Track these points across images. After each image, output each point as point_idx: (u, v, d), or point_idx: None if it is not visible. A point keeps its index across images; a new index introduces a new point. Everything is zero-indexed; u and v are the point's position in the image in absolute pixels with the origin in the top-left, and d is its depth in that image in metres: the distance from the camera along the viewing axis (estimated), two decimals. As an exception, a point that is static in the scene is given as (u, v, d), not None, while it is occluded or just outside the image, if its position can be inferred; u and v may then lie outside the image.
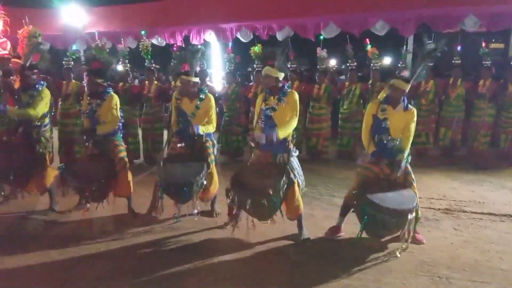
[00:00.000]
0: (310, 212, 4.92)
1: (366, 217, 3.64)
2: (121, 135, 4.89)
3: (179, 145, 4.56)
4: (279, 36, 8.84)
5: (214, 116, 4.58)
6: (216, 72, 10.31)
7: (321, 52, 7.74)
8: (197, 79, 4.52)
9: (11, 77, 5.12)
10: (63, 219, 4.84)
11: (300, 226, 4.19)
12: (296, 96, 4.04)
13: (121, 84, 7.52)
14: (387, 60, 8.08)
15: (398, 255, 3.82)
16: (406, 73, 3.98)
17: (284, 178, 3.77)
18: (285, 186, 3.83)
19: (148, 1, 10.34)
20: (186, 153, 4.53)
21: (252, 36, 9.04)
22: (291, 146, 4.07)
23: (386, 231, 3.80)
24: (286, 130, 3.94)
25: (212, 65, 10.50)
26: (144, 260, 3.84)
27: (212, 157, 4.55)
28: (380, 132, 3.93)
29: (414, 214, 3.70)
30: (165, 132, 7.43)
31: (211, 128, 4.55)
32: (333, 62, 8.04)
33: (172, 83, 7.58)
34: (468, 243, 4.10)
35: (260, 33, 8.94)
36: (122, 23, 10.08)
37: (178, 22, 9.59)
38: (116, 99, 4.73)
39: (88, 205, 4.59)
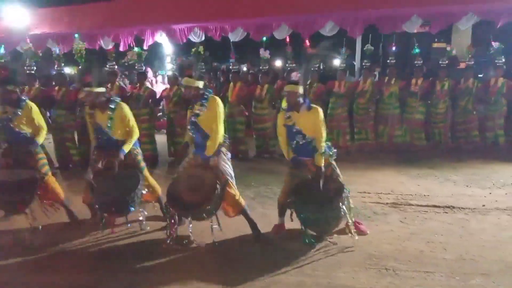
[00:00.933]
0: (263, 211, 4.97)
1: (305, 222, 3.94)
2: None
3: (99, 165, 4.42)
4: (232, 37, 8.87)
5: (133, 123, 4.41)
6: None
7: (264, 54, 7.90)
8: (101, 89, 4.28)
9: None
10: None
11: (248, 219, 4.25)
12: (218, 102, 4.06)
13: (57, 88, 7.36)
14: (336, 61, 8.37)
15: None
16: (295, 75, 4.15)
17: (218, 187, 3.87)
18: (221, 190, 3.95)
19: (97, 1, 10.04)
20: (113, 167, 4.30)
21: (204, 37, 9.00)
22: (223, 149, 4.14)
23: (328, 226, 3.98)
24: (214, 146, 4.03)
25: (165, 66, 10.38)
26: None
27: (143, 164, 4.56)
28: (294, 136, 4.10)
29: (345, 203, 3.93)
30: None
31: (135, 138, 4.41)
32: (278, 63, 8.25)
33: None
34: (414, 235, 4.26)
35: (212, 34, 8.92)
36: (70, 25, 9.74)
37: (128, 23, 9.38)
38: (35, 107, 4.55)
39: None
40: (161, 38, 9.40)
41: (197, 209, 3.86)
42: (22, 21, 9.60)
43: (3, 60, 7.01)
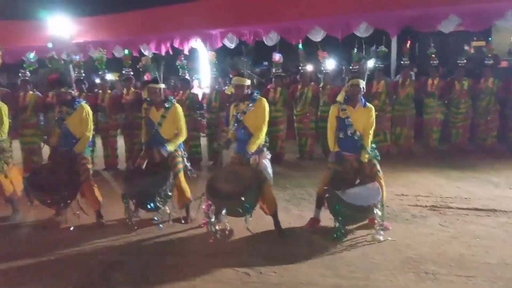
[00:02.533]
0: (299, 213, 5.00)
1: (340, 217, 4.07)
2: (90, 148, 4.99)
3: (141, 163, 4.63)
4: (267, 41, 8.95)
5: (183, 125, 4.62)
6: (204, 78, 10.39)
7: (276, 58, 7.89)
8: (162, 85, 4.58)
9: None
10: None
11: (276, 222, 4.38)
12: (265, 102, 4.30)
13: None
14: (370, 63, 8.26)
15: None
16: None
17: (256, 181, 4.05)
18: (258, 187, 4.09)
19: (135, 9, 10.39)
20: (153, 164, 4.55)
21: (238, 42, 9.13)
22: (264, 149, 4.34)
23: (355, 223, 4.26)
24: (257, 143, 4.22)
25: (200, 71, 10.58)
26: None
27: (180, 166, 4.67)
28: (343, 128, 4.25)
29: (379, 207, 4.05)
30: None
31: (181, 139, 4.62)
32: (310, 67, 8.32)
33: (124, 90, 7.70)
34: (454, 238, 4.17)
35: (246, 38, 9.03)
36: (110, 32, 10.12)
37: (165, 29, 9.66)
38: (87, 109, 4.75)
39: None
40: (196, 43, 9.62)
41: (233, 201, 3.96)
42: (66, 30, 10.05)
43: (31, 68, 7.38)
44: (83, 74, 7.72)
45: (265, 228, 4.51)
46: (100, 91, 7.68)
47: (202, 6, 9.61)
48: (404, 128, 7.90)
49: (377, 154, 4.39)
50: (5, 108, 4.96)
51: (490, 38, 7.85)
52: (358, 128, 4.22)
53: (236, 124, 4.32)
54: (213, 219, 4.10)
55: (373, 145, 4.34)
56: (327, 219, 4.44)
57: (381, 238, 4.10)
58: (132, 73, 7.88)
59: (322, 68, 7.88)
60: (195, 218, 4.84)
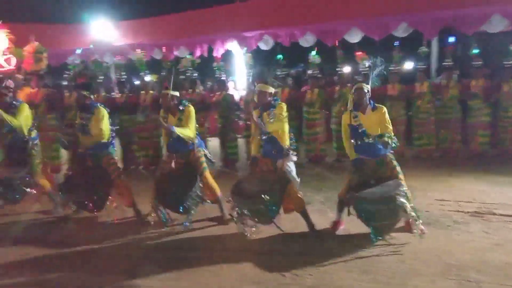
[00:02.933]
0: (334, 216, 4.91)
1: (363, 214, 3.96)
2: (114, 148, 5.14)
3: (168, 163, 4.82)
4: (302, 43, 8.92)
5: (191, 123, 4.66)
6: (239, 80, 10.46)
7: (313, 58, 7.82)
8: (175, 93, 4.67)
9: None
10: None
11: (306, 218, 4.44)
12: (284, 106, 4.37)
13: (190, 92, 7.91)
14: (409, 64, 8.09)
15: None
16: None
17: (279, 183, 4.16)
18: (282, 189, 4.18)
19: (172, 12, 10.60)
20: (179, 165, 4.74)
21: (273, 44, 9.14)
22: (290, 151, 4.38)
23: (385, 221, 3.98)
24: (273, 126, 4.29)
25: (235, 73, 10.66)
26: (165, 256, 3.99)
27: (204, 165, 4.78)
28: (357, 135, 4.19)
29: (403, 198, 3.90)
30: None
31: (189, 132, 4.64)
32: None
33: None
34: (498, 246, 3.99)
35: (282, 40, 9.03)
36: (149, 36, 10.38)
37: (201, 32, 9.80)
38: (103, 112, 4.87)
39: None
40: (232, 45, 9.71)
41: (255, 200, 4.05)
42: (108, 33, 10.38)
43: (76, 68, 7.65)
44: (124, 76, 7.94)
45: (297, 229, 4.51)
46: (142, 92, 7.87)
47: (239, 9, 9.70)
48: (449, 131, 7.63)
49: (396, 142, 4.19)
50: (26, 108, 5.19)
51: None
52: (373, 132, 4.13)
53: (262, 133, 4.41)
54: (237, 219, 4.23)
55: (395, 140, 4.18)
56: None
57: (416, 231, 4.04)
58: (196, 74, 8.09)
59: (360, 70, 7.75)
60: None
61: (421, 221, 4.12)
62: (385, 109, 4.22)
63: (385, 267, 3.66)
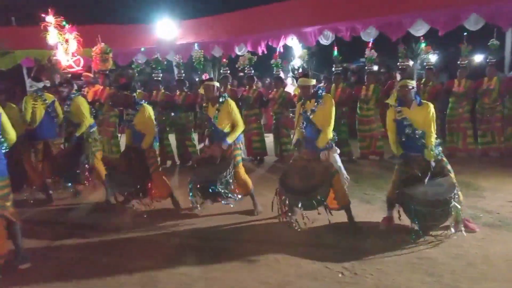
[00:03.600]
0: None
1: (415, 216, 3.91)
2: (157, 143, 5.42)
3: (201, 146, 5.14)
4: (364, 36, 8.71)
5: (238, 118, 4.90)
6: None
7: (370, 53, 7.53)
8: (216, 83, 4.96)
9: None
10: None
11: (349, 216, 4.45)
12: (331, 99, 4.44)
13: (246, 88, 8.02)
14: (478, 58, 7.63)
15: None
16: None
17: (327, 175, 4.22)
18: (330, 181, 4.25)
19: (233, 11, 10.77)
20: (215, 155, 4.91)
21: (333, 38, 9.01)
22: (333, 144, 4.45)
23: (435, 222, 3.99)
24: (326, 138, 4.36)
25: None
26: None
27: (239, 158, 4.97)
28: (404, 131, 4.18)
29: (457, 202, 3.86)
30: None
31: (239, 131, 4.89)
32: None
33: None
34: None
35: (343, 34, 8.87)
36: (210, 34, 10.63)
37: (261, 29, 9.88)
38: (148, 109, 5.14)
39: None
40: (292, 41, 9.69)
41: (308, 195, 4.15)
42: (171, 32, 10.76)
43: (138, 69, 8.01)
44: (183, 74, 8.20)
45: (338, 219, 4.49)
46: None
47: (298, 4, 9.65)
48: None
49: (440, 151, 4.20)
50: (81, 100, 5.72)
51: None
52: (418, 127, 4.11)
53: (305, 123, 4.50)
54: (289, 213, 4.37)
55: (438, 141, 4.17)
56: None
57: (463, 232, 3.97)
58: (228, 71, 8.21)
59: (425, 64, 7.45)
60: (262, 211, 5.04)
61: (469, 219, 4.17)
62: (431, 107, 4.14)
63: (451, 270, 3.49)
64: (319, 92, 4.47)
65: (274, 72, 7.97)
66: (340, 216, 4.48)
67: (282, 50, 9.81)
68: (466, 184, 5.75)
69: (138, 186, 5.05)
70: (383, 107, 7.69)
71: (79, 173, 5.68)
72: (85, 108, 5.72)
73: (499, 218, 4.51)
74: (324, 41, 9.32)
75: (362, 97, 7.50)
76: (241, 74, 8.79)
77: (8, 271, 3.84)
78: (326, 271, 3.60)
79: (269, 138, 8.38)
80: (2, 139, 3.77)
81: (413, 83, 4.18)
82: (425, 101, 4.22)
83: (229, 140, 4.84)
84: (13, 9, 12.93)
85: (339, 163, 4.50)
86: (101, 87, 7.48)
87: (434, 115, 4.13)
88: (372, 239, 4.19)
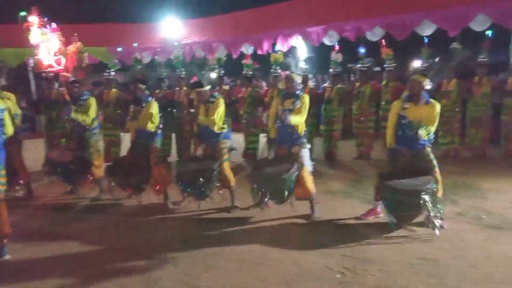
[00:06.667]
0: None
1: (385, 201, 4.16)
2: (160, 138, 5.54)
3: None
4: (370, 37, 8.67)
5: (215, 115, 5.00)
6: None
7: (335, 57, 7.62)
8: (206, 88, 5.11)
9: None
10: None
11: (311, 207, 4.77)
12: (306, 96, 4.75)
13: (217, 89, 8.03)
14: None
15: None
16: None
17: (295, 164, 4.50)
18: (297, 170, 4.50)
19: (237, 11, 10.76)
20: (204, 153, 5.23)
21: (338, 38, 8.98)
22: (304, 140, 4.77)
23: (406, 213, 4.10)
24: (295, 119, 4.62)
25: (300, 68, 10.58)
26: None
27: (226, 156, 5.14)
28: (403, 126, 4.31)
29: (429, 195, 3.94)
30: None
31: (210, 122, 5.02)
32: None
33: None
34: None
35: (347, 35, 8.83)
36: (214, 33, 10.64)
37: (266, 29, 9.87)
38: (154, 106, 5.31)
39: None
40: (297, 41, 9.67)
41: (278, 179, 4.41)
42: (176, 31, 10.78)
43: (114, 69, 8.01)
44: (164, 73, 8.21)
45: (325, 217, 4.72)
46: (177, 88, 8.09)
47: (303, 4, 9.62)
48: (479, 130, 7.30)
49: (432, 138, 4.33)
50: (93, 101, 5.77)
51: None
52: (418, 124, 4.16)
53: (279, 121, 4.70)
54: (258, 200, 4.57)
55: (431, 137, 4.29)
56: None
57: (437, 231, 4.01)
58: (223, 72, 8.24)
59: (385, 66, 7.56)
60: (239, 207, 5.18)
61: (440, 217, 4.15)
62: (438, 106, 4.23)
63: (454, 271, 3.47)
64: (297, 92, 4.73)
65: (243, 72, 7.98)
66: (340, 215, 4.53)
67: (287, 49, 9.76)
68: (468, 185, 5.78)
69: (135, 180, 5.18)
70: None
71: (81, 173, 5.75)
72: (93, 109, 5.76)
73: (502, 220, 4.48)
74: (329, 41, 9.28)
75: (326, 98, 7.60)
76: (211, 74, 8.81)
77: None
78: (327, 271, 3.58)
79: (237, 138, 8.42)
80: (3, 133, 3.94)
81: (425, 80, 4.21)
82: (433, 101, 4.28)
83: (202, 119, 5.09)
84: None
85: (307, 158, 4.78)
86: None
87: (439, 115, 4.22)
88: (374, 239, 4.17)
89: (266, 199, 4.52)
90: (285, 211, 4.85)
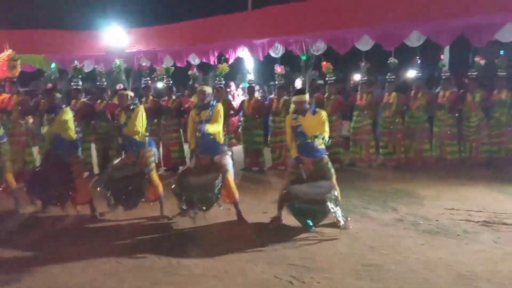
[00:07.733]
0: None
1: (297, 214, 4.53)
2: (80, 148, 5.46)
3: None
4: (313, 50, 8.91)
5: (141, 123, 5.15)
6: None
7: (278, 69, 8.01)
8: (130, 93, 5.27)
9: None
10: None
11: (237, 211, 5.07)
12: (220, 106, 5.04)
13: (165, 99, 8.08)
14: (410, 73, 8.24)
15: None
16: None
17: (220, 173, 4.77)
18: (221, 177, 4.78)
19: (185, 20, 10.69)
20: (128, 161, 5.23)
21: (283, 51, 9.17)
22: (225, 147, 5.15)
23: (315, 219, 4.49)
24: (212, 128, 4.91)
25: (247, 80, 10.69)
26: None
27: (153, 165, 5.27)
28: (299, 136, 4.73)
29: (332, 202, 4.41)
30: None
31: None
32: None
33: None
34: (509, 256, 3.93)
35: (293, 48, 9.03)
36: (161, 42, 10.48)
37: (212, 39, 9.86)
38: (67, 113, 5.19)
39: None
40: (243, 53, 9.76)
41: (203, 191, 4.65)
42: (120, 40, 10.48)
43: (52, 77, 7.74)
44: (105, 83, 8.08)
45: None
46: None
47: (249, 17, 9.75)
48: (414, 141, 7.76)
49: (329, 143, 4.75)
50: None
51: (502, 51, 7.60)
52: (312, 132, 4.59)
53: (198, 132, 4.93)
54: (185, 208, 4.71)
55: (327, 139, 4.66)
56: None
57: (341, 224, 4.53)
58: (171, 82, 8.26)
59: (327, 79, 8.10)
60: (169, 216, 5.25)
61: (347, 219, 4.68)
62: (324, 113, 4.76)
63: (395, 276, 3.63)
64: (211, 102, 5.02)
65: (216, 82, 8.00)
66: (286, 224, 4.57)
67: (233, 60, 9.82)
68: (407, 193, 6.08)
69: (57, 192, 5.06)
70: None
71: None
72: None
73: (438, 225, 4.76)
74: (275, 54, 9.44)
75: (273, 110, 7.88)
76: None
77: None
78: (275, 281, 3.62)
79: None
80: None
81: (306, 97, 4.75)
82: (319, 109, 4.83)
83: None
84: None
85: (230, 164, 5.09)
86: (8, 95, 7.23)
87: (327, 119, 4.72)
88: (321, 247, 4.28)
89: (194, 209, 4.70)
90: (228, 223, 5.03)
